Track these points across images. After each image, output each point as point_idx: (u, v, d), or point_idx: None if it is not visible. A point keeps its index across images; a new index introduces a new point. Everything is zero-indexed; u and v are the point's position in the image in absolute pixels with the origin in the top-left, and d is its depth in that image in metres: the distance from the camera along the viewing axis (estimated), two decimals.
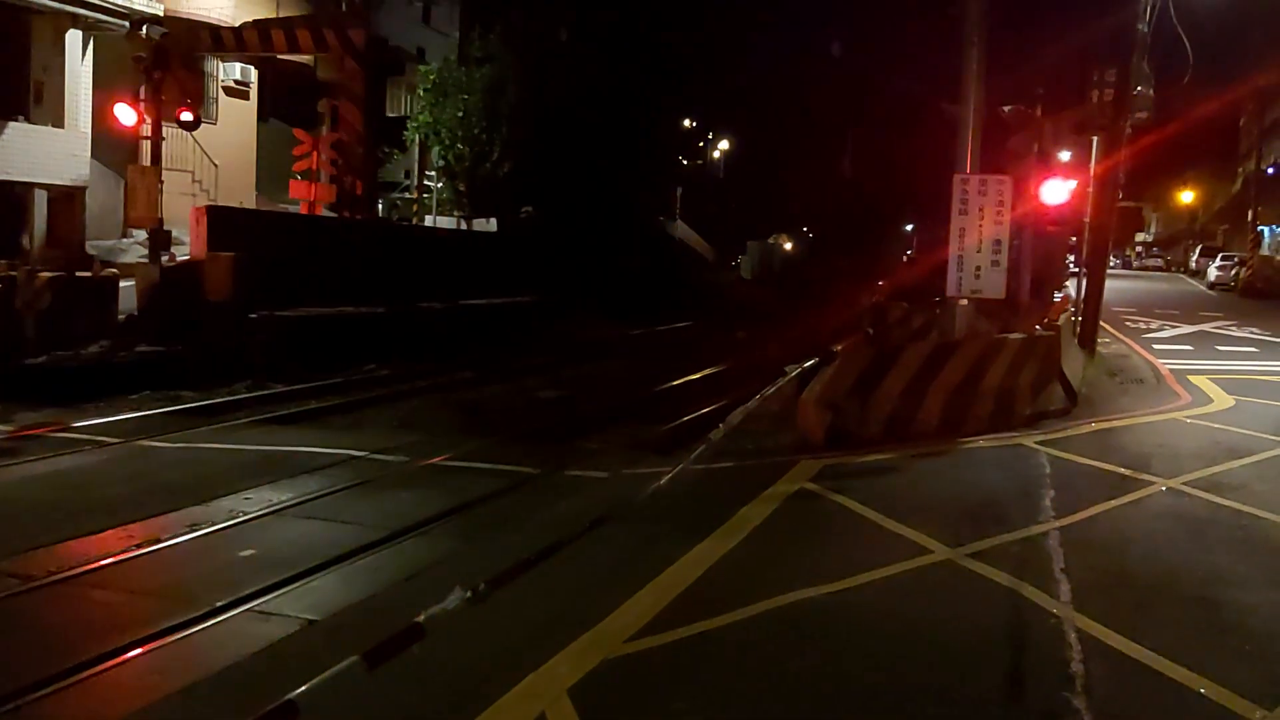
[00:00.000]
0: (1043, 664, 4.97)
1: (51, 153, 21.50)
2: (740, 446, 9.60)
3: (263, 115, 29.32)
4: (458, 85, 30.01)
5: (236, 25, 24.18)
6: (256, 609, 6.44)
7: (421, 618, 3.14)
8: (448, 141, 30.13)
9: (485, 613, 3.67)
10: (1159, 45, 17.78)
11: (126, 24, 21.89)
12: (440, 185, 32.44)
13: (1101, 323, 18.84)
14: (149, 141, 19.00)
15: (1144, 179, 62.99)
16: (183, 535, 7.99)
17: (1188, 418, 11.99)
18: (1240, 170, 64.35)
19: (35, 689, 5.24)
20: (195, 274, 17.55)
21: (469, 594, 3.32)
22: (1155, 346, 19.69)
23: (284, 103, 29.63)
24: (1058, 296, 20.19)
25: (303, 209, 24.69)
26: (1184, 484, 8.63)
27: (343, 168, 24.05)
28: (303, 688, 2.74)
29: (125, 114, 18.69)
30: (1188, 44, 17.77)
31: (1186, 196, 75.58)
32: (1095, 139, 18.80)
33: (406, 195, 35.30)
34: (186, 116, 18.59)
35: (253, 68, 28.23)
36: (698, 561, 6.38)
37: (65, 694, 5.30)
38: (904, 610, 5.70)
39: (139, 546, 7.65)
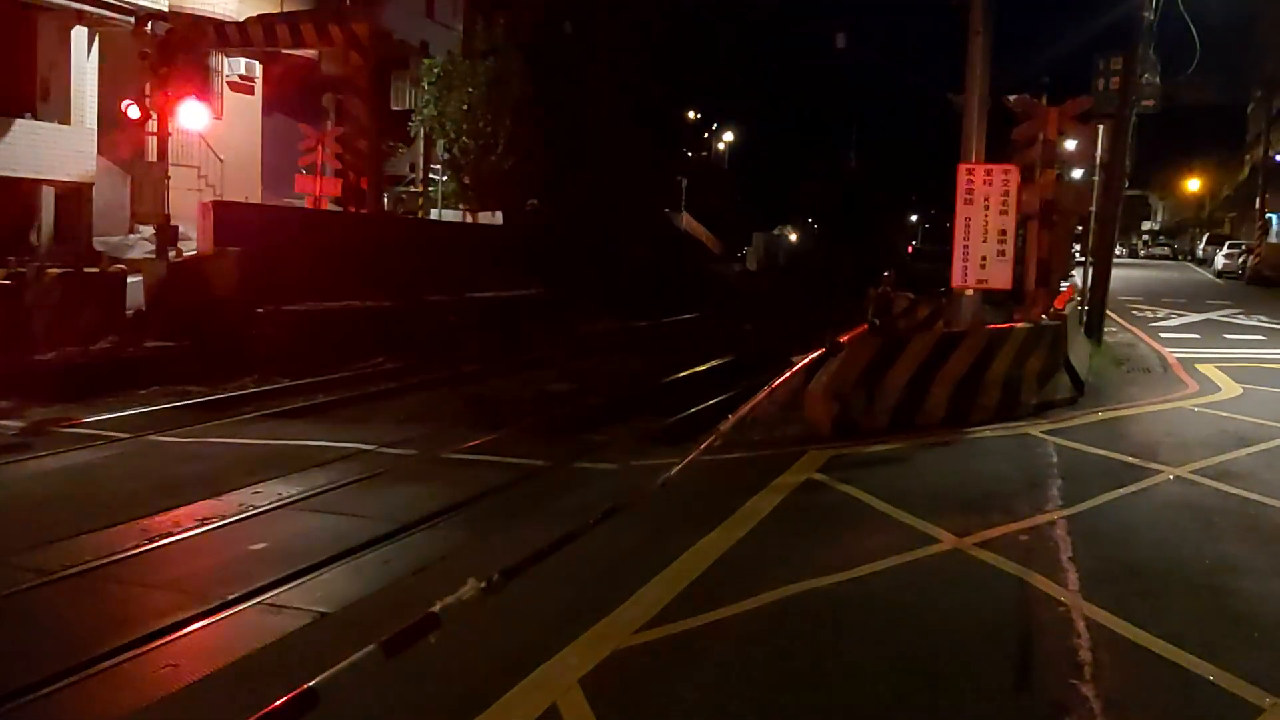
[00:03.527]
0: (1051, 652, 4.98)
1: (58, 149, 21.54)
2: (748, 437, 9.61)
3: (268, 110, 29.36)
4: (462, 78, 29.99)
5: (241, 20, 24.22)
6: (268, 602, 6.48)
7: (438, 608, 3.17)
8: (453, 134, 30.13)
9: (497, 604, 3.70)
10: (1166, 33, 17.75)
11: (132, 20, 21.91)
12: (445, 178, 32.46)
13: (1108, 312, 18.82)
14: (155, 137, 19.03)
15: (1151, 167, 62.84)
16: (194, 529, 8.04)
17: (1195, 406, 11.99)
18: (1248, 157, 64.09)
19: (51, 682, 5.29)
20: (202, 269, 17.61)
21: (484, 585, 3.35)
22: (1162, 335, 19.66)
23: (289, 97, 29.69)
24: (1064, 286, 20.15)
25: (308, 203, 24.78)
26: (1192, 472, 8.63)
27: (348, 162, 24.11)
28: (322, 676, 2.77)
29: (133, 111, 18.71)
30: (1194, 31, 17.74)
31: (1193, 184, 75.30)
32: (1101, 127, 18.77)
33: (412, 188, 35.31)
34: (192, 112, 18.64)
35: (257, 62, 28.26)
36: (707, 552, 6.41)
37: (80, 687, 5.35)
38: (912, 599, 5.72)
39: (151, 540, 7.69)
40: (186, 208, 21.34)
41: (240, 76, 27.86)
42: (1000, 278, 11.97)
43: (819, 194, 60.04)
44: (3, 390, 13.25)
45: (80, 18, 21.79)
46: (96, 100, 22.35)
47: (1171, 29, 17.66)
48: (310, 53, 26.93)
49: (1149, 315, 24.35)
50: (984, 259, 11.88)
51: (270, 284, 17.74)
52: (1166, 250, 69.15)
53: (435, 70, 30.40)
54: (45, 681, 5.28)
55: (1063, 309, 13.82)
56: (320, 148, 24.57)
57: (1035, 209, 13.13)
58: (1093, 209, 19.07)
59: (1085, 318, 17.49)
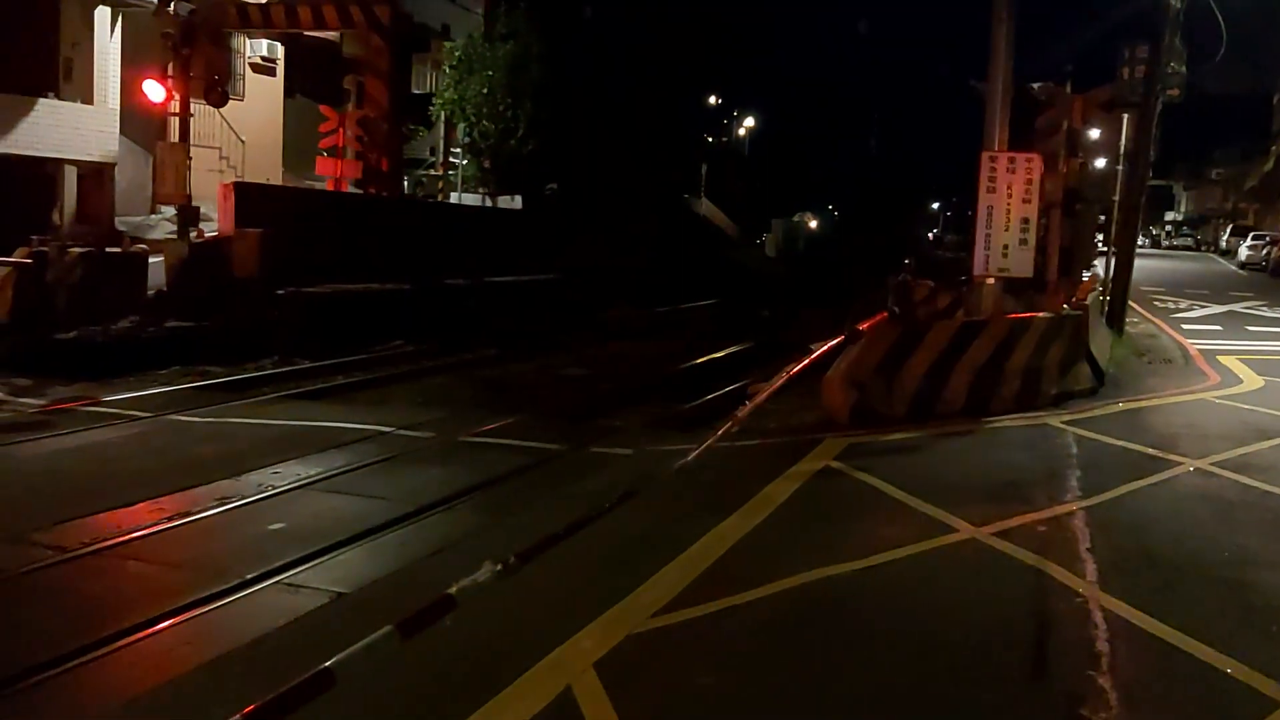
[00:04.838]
0: (1068, 643, 4.97)
1: (81, 129, 21.63)
2: (765, 424, 9.60)
3: (289, 92, 29.39)
4: (483, 62, 29.98)
5: (263, 1, 24.21)
6: (285, 582, 6.50)
7: (454, 589, 3.18)
8: (473, 118, 30.15)
9: (513, 586, 3.70)
10: (1192, 21, 17.53)
11: (154, 0, 21.95)
12: (465, 162, 32.48)
13: (1130, 302, 18.69)
14: (177, 118, 19.08)
15: (1175, 157, 62.35)
16: (212, 509, 8.07)
17: (1216, 398, 11.90)
18: (1273, 148, 63.43)
19: (69, 658, 5.32)
20: (223, 250, 17.66)
21: (499, 567, 3.35)
22: (1184, 326, 19.52)
23: (310, 79, 29.69)
24: (1086, 275, 20.02)
25: (329, 185, 24.78)
26: (1212, 464, 8.58)
27: (368, 144, 24.08)
28: (338, 656, 2.78)
29: (153, 90, 18.81)
30: (1221, 20, 17.53)
31: (1217, 175, 74.63)
32: (1125, 116, 18.58)
33: (432, 172, 35.34)
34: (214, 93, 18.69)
35: (279, 44, 28.28)
36: (722, 538, 6.40)
37: (98, 664, 5.38)
38: (928, 588, 5.71)
39: (169, 519, 7.73)
40: (208, 188, 21.37)
41: (262, 58, 27.88)
42: (1022, 267, 11.86)
43: (839, 180, 59.83)
44: (24, 368, 13.34)
45: None
46: (119, 80, 22.42)
47: (1198, 16, 17.43)
48: (332, 34, 26.87)
49: (1171, 306, 24.16)
50: (1006, 247, 11.78)
51: (290, 265, 17.78)
52: (1189, 241, 68.59)
53: (456, 53, 30.41)
54: (63, 658, 5.31)
55: (1084, 299, 13.73)
56: (341, 130, 24.52)
57: (1058, 198, 13.02)
58: (1116, 198, 18.89)
59: (1107, 308, 17.37)
